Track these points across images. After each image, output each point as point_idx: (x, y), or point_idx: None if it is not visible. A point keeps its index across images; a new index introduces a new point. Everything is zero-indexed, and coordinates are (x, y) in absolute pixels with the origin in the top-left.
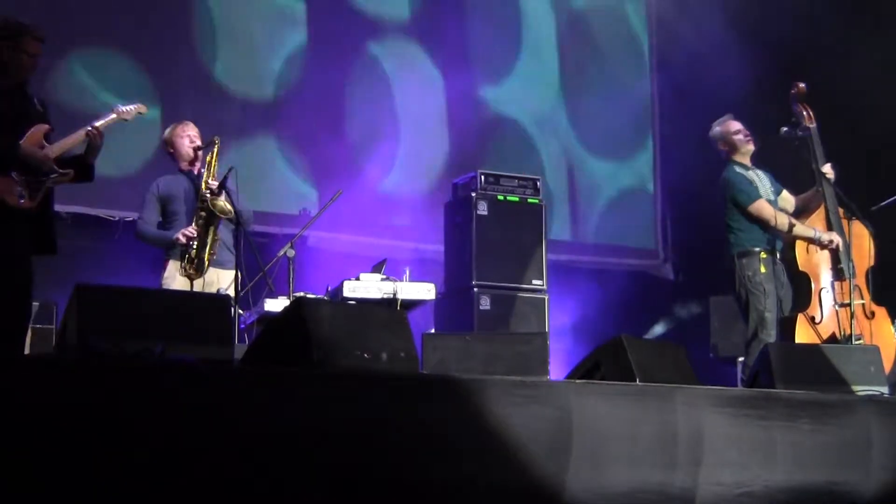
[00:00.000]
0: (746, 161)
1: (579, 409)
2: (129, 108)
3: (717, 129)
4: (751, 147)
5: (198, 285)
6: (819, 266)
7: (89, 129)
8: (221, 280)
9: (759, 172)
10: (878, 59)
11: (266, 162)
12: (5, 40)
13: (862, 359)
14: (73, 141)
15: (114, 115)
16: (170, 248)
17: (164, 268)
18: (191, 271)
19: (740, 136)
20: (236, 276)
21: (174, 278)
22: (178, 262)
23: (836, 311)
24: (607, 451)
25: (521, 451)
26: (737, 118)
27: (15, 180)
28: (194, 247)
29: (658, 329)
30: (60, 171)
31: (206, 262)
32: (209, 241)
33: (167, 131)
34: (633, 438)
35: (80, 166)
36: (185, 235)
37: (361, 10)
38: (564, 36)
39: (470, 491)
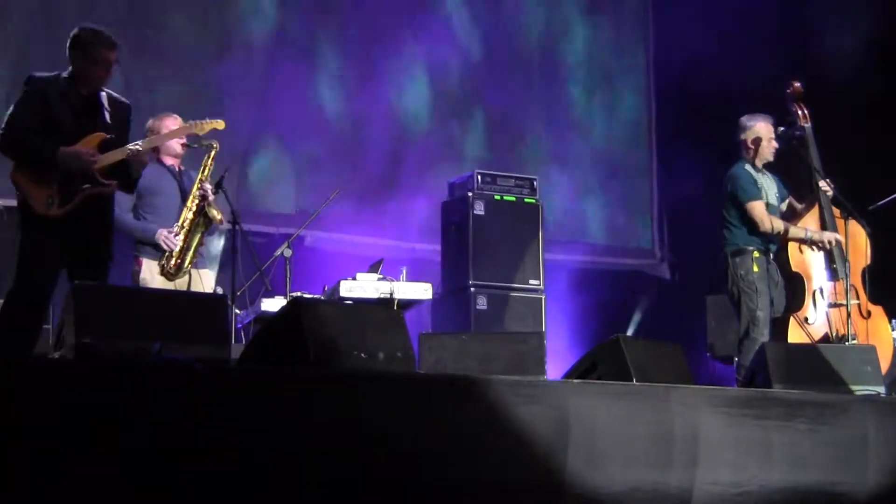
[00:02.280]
0: (758, 164)
1: (576, 409)
2: (202, 123)
3: (756, 125)
4: (770, 159)
5: (176, 285)
6: (812, 267)
7: (129, 147)
8: (197, 279)
9: (769, 176)
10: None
11: (264, 162)
12: (77, 49)
13: (858, 359)
14: (120, 155)
15: (182, 129)
16: (143, 244)
17: (136, 265)
18: (171, 271)
19: (772, 147)
20: (234, 277)
21: (153, 279)
22: (154, 262)
23: (829, 312)
24: (604, 450)
25: (518, 451)
26: (734, 117)
27: (49, 187)
28: (177, 248)
29: (632, 326)
30: (102, 181)
31: (188, 265)
32: (194, 244)
33: (153, 121)
34: (629, 438)
35: (126, 177)
36: (166, 243)
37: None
38: (566, 41)
39: (467, 490)
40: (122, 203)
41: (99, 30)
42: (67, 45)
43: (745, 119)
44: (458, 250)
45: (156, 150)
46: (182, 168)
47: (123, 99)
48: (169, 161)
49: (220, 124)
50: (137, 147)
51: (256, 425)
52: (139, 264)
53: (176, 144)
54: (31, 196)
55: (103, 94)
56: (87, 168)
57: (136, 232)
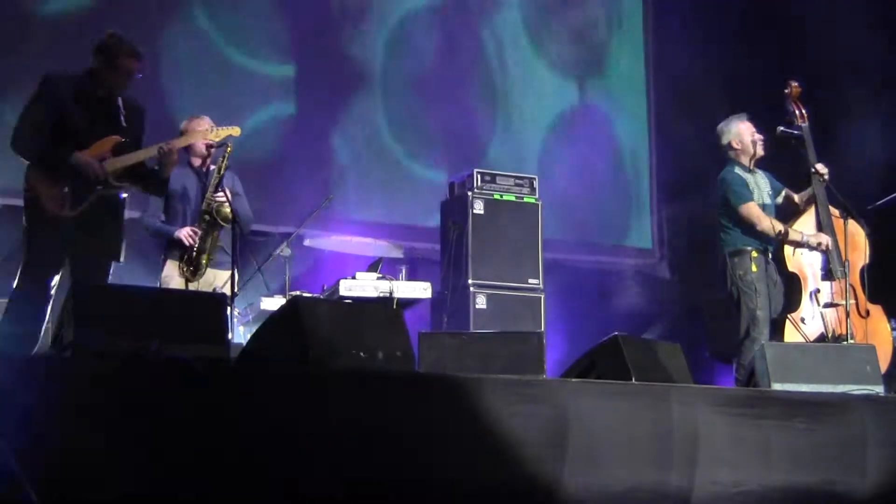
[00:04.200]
0: (748, 163)
1: (575, 408)
2: (218, 130)
3: (733, 127)
4: (761, 153)
5: (195, 285)
6: (809, 266)
7: (161, 146)
8: (219, 280)
9: (759, 174)
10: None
11: (263, 161)
12: (101, 54)
13: (857, 358)
14: (144, 155)
15: (198, 135)
16: (169, 246)
17: (162, 266)
18: (188, 273)
19: (758, 143)
20: (232, 276)
21: (173, 278)
22: (177, 263)
23: (824, 312)
24: (603, 449)
25: (517, 450)
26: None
27: (63, 188)
28: (194, 250)
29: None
30: (114, 183)
31: (204, 266)
32: (209, 246)
33: (184, 123)
34: (629, 437)
35: (154, 179)
36: (187, 238)
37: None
38: (568, 41)
39: (466, 489)
40: (152, 208)
41: (125, 38)
42: (93, 46)
43: (721, 125)
44: (458, 249)
45: (185, 152)
46: (208, 168)
47: (138, 102)
48: (196, 162)
49: (235, 131)
50: (167, 146)
51: (255, 424)
52: (164, 265)
53: (201, 145)
54: (43, 195)
55: (119, 96)
56: (95, 172)
57: (161, 233)
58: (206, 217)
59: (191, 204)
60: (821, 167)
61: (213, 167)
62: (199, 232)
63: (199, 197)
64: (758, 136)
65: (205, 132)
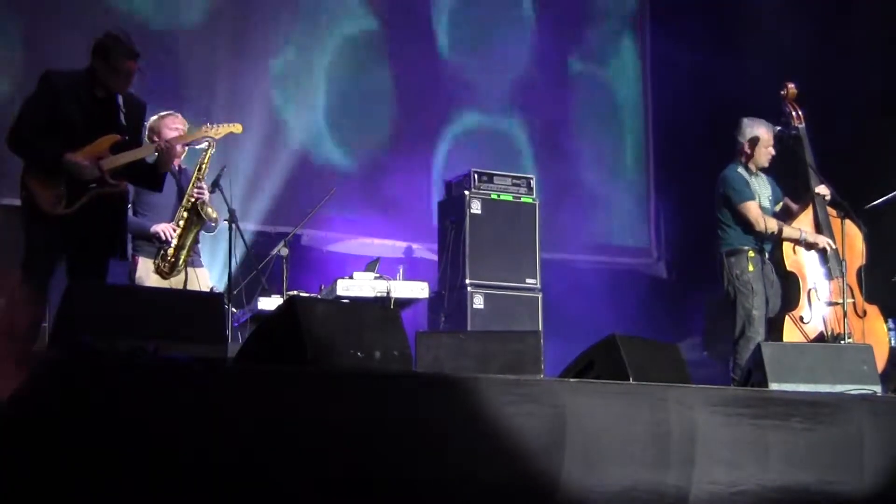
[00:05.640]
0: (752, 167)
1: (573, 408)
2: (219, 127)
3: (758, 131)
4: (764, 165)
5: (169, 284)
6: (807, 266)
7: (159, 143)
8: (193, 278)
9: (762, 178)
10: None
11: (261, 160)
12: (99, 55)
13: (855, 358)
14: (142, 153)
15: (199, 132)
16: (141, 242)
17: (132, 264)
18: (165, 269)
19: (769, 153)
20: (229, 276)
21: (147, 277)
22: (150, 260)
23: (824, 311)
24: (601, 449)
25: (515, 450)
26: (731, 118)
27: (58, 188)
28: (172, 246)
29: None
30: (111, 181)
31: (182, 263)
32: (189, 243)
33: (154, 119)
34: (626, 437)
35: (151, 175)
36: (164, 233)
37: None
38: (566, 45)
39: (464, 489)
40: None
41: (122, 38)
42: (91, 48)
43: (746, 121)
44: (455, 249)
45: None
46: (183, 167)
47: (139, 98)
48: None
49: (237, 128)
50: (166, 143)
51: (253, 424)
52: (135, 263)
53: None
54: (38, 196)
55: (119, 94)
56: (89, 170)
57: (133, 228)
58: (186, 214)
59: (164, 201)
60: (823, 189)
61: (184, 166)
62: (178, 229)
63: (174, 194)
64: (771, 151)
65: (206, 129)
